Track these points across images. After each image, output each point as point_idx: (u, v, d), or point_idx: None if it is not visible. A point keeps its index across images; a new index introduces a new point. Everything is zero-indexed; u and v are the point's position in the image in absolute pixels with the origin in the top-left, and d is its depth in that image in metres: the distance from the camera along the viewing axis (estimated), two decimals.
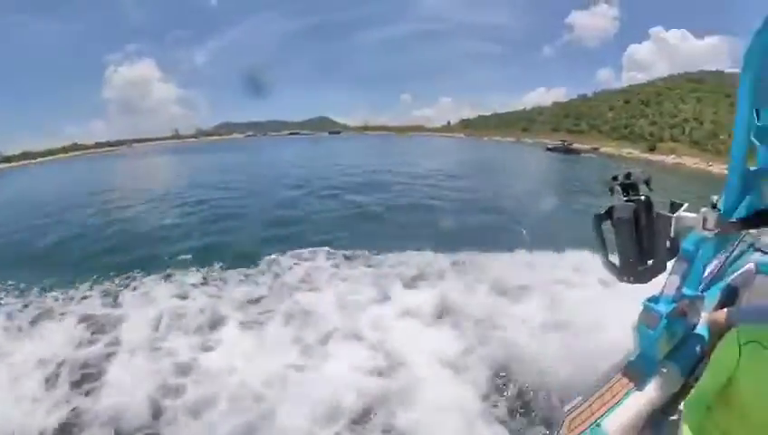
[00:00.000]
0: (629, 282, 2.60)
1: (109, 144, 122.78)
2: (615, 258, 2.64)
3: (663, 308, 2.58)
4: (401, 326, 6.97)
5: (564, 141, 74.22)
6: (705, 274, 3.47)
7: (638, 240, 2.50)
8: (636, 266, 2.53)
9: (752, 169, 2.76)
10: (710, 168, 47.97)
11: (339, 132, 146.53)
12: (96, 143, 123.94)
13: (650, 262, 2.53)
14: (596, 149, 70.10)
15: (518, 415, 4.91)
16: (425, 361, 5.91)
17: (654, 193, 2.59)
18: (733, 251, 4.17)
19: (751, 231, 4.51)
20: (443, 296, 8.03)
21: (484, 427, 4.70)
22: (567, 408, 2.30)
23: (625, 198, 2.56)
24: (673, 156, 61.87)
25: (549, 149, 67.78)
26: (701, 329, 2.94)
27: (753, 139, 2.63)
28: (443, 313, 7.47)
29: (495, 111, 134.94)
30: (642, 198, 2.53)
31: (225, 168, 39.34)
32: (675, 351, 2.72)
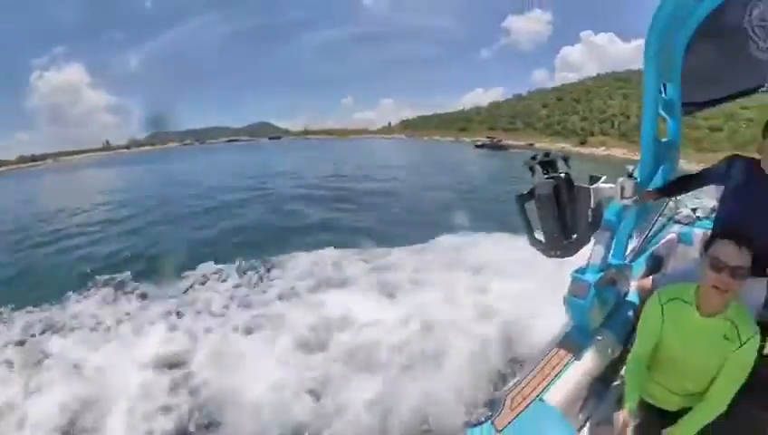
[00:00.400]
0: (557, 256, 2.66)
1: (33, 158, 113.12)
2: (541, 236, 2.68)
3: (590, 277, 2.60)
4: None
5: (493, 138, 76.95)
6: (630, 249, 3.60)
7: (562, 216, 2.56)
8: (561, 241, 2.59)
9: (663, 140, 2.89)
10: (637, 157, 50.15)
11: (279, 138, 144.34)
12: (19, 157, 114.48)
13: (575, 236, 2.60)
14: (531, 145, 72.25)
15: (458, 402, 4.83)
16: (364, 354, 5.81)
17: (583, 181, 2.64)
18: (654, 223, 4.37)
19: (670, 205, 4.82)
20: (367, 293, 8.07)
21: (423, 419, 4.65)
22: (507, 387, 2.27)
23: (545, 177, 2.59)
24: (603, 148, 65.16)
25: (477, 147, 70.64)
26: (632, 296, 3.04)
27: (661, 112, 2.76)
28: (373, 307, 7.36)
29: (435, 112, 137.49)
30: (562, 175, 2.58)
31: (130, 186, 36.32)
32: (609, 319, 2.77)
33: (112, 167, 66.62)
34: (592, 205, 2.56)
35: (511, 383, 2.32)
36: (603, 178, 2.66)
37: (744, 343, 1.80)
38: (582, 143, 74.51)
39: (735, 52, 2.53)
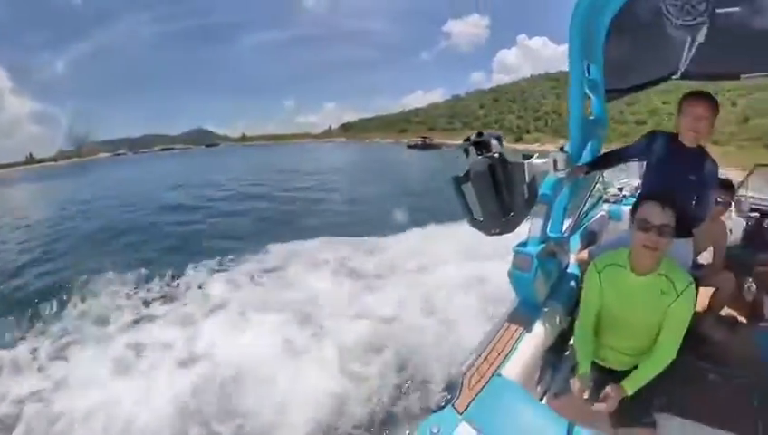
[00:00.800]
0: (497, 234, 2.67)
1: None
2: (480, 216, 2.69)
3: (532, 250, 2.68)
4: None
5: (425, 138, 78.31)
6: (565, 227, 3.77)
7: (498, 193, 2.58)
8: (500, 218, 2.60)
9: (590, 118, 3.03)
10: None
11: (216, 145, 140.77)
12: None
13: (512, 213, 2.61)
14: None
15: (415, 390, 4.82)
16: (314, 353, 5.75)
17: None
18: (586, 203, 4.61)
19: (598, 186, 5.13)
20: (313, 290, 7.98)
21: (383, 409, 4.64)
22: (463, 368, 2.26)
23: (480, 157, 2.61)
24: (538, 144, 67.46)
25: (410, 147, 71.44)
26: (572, 268, 3.19)
27: (587, 91, 2.89)
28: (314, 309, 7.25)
29: (377, 114, 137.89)
30: (496, 154, 2.59)
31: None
32: (554, 291, 2.86)
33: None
34: (527, 180, 2.60)
35: (466, 363, 2.30)
36: (536, 155, 2.73)
37: (681, 294, 1.90)
38: (518, 140, 77.81)
39: (652, 39, 2.68)
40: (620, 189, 5.27)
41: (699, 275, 3.09)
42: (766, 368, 2.73)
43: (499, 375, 2.18)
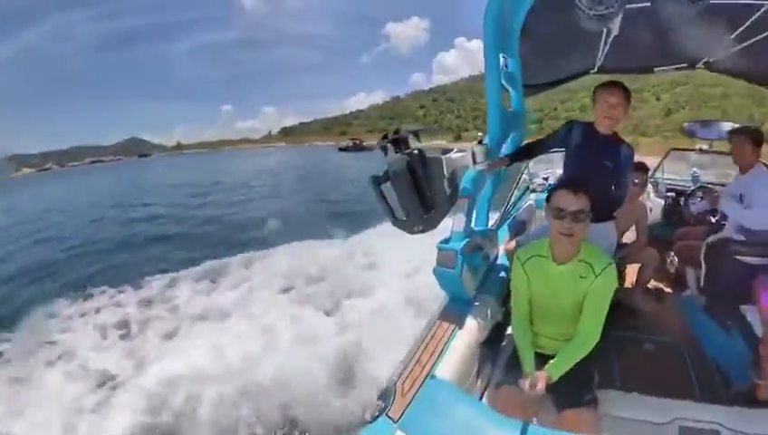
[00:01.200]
0: (420, 232, 2.59)
1: None
2: (402, 214, 2.60)
3: (456, 245, 2.60)
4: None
5: (355, 140, 78.73)
6: (493, 220, 3.74)
7: (419, 190, 2.51)
8: (422, 215, 2.53)
9: (509, 110, 3.01)
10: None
11: (148, 155, 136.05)
12: None
13: (434, 210, 2.54)
14: None
15: (347, 404, 4.69)
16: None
17: None
18: (512, 194, 4.70)
19: (524, 176, 5.23)
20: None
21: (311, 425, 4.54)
22: (395, 374, 2.13)
23: (398, 154, 2.52)
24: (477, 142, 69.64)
25: (341, 150, 71.46)
26: (502, 260, 3.16)
27: (505, 84, 2.86)
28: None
29: (317, 118, 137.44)
30: (415, 151, 2.52)
31: None
32: (484, 285, 2.81)
33: None
34: (446, 174, 2.53)
35: (398, 369, 2.18)
36: (455, 148, 2.69)
37: (599, 275, 1.94)
38: (458, 138, 79.05)
39: (568, 35, 2.70)
40: (546, 179, 5.46)
41: (626, 254, 3.48)
42: (693, 331, 3.01)
43: (433, 377, 2.07)
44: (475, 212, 2.87)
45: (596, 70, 4.04)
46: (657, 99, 67.97)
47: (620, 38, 2.73)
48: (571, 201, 1.88)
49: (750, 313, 2.77)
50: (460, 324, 2.45)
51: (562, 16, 2.26)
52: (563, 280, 2.00)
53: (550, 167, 5.63)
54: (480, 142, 2.63)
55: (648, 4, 2.21)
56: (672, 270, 3.98)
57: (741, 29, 2.65)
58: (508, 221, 4.10)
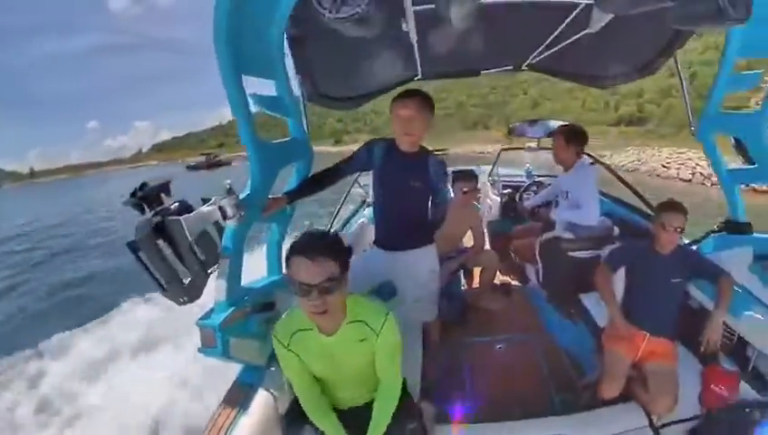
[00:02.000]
0: (187, 302, 2.11)
1: None
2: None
3: (216, 320, 2.13)
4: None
5: (209, 155, 73.05)
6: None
7: (177, 255, 2.07)
8: (181, 283, 2.07)
9: (286, 140, 2.53)
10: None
11: None
12: None
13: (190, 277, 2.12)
14: None
15: None
16: None
17: None
18: (337, 212, 4.38)
19: (360, 190, 4.96)
20: None
21: None
22: None
23: (151, 214, 2.04)
24: (357, 144, 72.08)
25: (189, 168, 65.23)
26: None
27: (270, 112, 2.43)
28: None
29: (192, 131, 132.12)
30: (172, 206, 2.10)
31: None
32: None
33: None
34: (189, 237, 2.06)
35: None
36: (213, 199, 2.18)
37: (380, 333, 1.65)
38: (338, 142, 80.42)
39: (364, 43, 2.37)
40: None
41: (466, 259, 3.73)
42: (543, 324, 3.29)
43: None
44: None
45: (420, 76, 3.90)
46: (525, 93, 74.28)
47: (432, 43, 2.64)
48: (312, 272, 1.42)
49: (587, 301, 3.12)
50: (247, 402, 2.02)
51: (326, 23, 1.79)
52: (341, 350, 1.67)
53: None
54: (229, 191, 2.08)
55: (433, 6, 1.82)
56: (517, 262, 4.19)
57: (559, 29, 2.63)
58: None
